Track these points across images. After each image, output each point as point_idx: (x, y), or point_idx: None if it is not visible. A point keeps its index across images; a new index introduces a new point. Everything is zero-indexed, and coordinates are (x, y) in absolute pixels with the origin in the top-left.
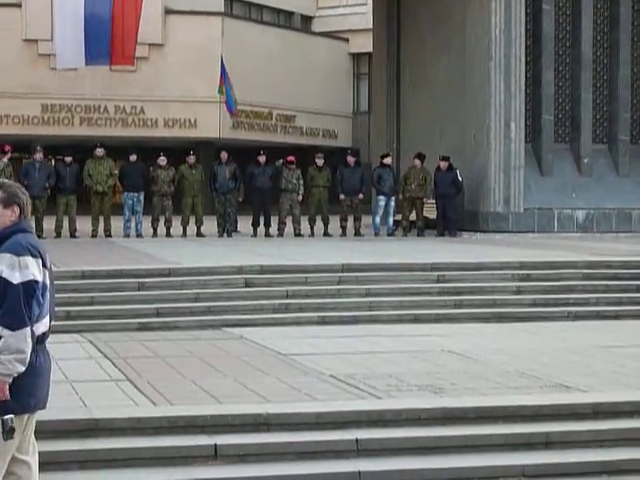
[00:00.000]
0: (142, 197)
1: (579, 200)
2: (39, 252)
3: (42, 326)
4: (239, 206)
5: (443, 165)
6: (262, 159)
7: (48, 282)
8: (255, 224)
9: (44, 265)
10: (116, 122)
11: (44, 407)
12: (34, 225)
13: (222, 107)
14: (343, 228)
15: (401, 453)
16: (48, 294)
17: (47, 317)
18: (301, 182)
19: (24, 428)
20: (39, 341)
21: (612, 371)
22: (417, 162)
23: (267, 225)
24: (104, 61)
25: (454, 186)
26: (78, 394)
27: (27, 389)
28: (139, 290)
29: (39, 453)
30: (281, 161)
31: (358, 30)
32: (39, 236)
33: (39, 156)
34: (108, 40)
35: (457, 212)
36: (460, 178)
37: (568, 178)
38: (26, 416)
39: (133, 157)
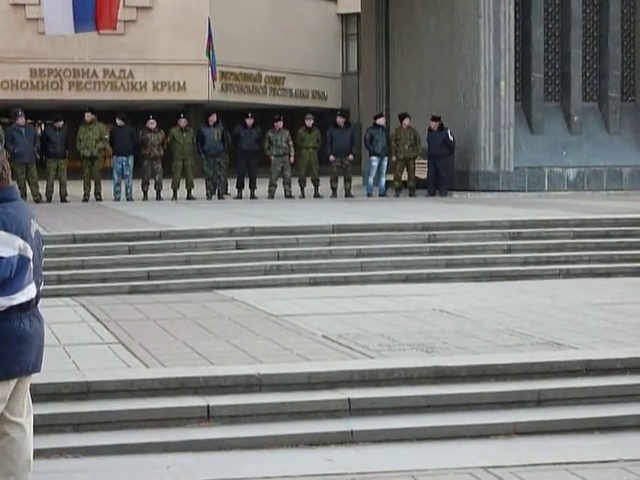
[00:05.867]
0: (131, 161)
1: (569, 158)
2: (14, 224)
3: (22, 296)
4: (227, 168)
5: (434, 125)
6: (249, 121)
7: (29, 253)
8: (239, 186)
9: (23, 237)
10: (105, 86)
11: (35, 371)
12: (30, 191)
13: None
14: (333, 189)
15: (393, 412)
16: (31, 264)
17: (29, 286)
18: (291, 144)
19: (13, 392)
20: (23, 309)
21: (604, 328)
22: (407, 121)
23: (252, 187)
24: (90, 26)
25: (446, 146)
26: (71, 357)
27: (11, 356)
28: (130, 253)
29: (33, 416)
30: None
31: None
32: (37, 201)
33: (21, 120)
34: (94, 4)
35: (448, 172)
36: (451, 138)
37: (558, 136)
38: (12, 381)
39: (120, 121)
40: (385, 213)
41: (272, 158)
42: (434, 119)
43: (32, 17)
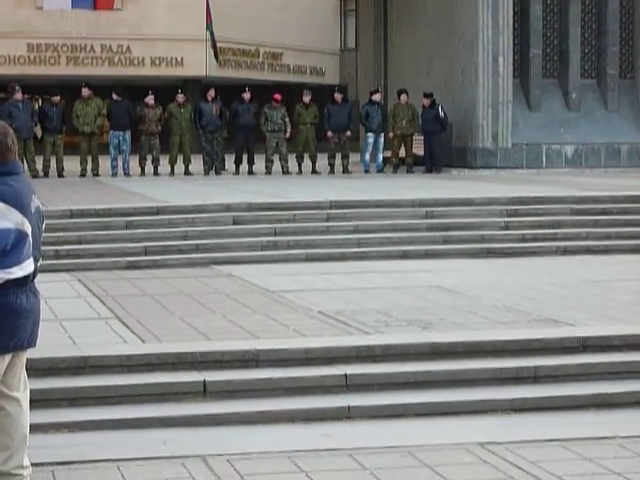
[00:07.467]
0: (128, 136)
1: (567, 135)
2: (14, 197)
3: (20, 270)
4: (225, 144)
5: (426, 102)
6: (246, 96)
7: (27, 228)
8: (237, 162)
9: (22, 211)
10: (102, 61)
11: (31, 345)
12: (27, 167)
13: (209, 45)
14: (331, 165)
15: (390, 388)
16: (30, 239)
17: (27, 261)
18: (287, 120)
19: (9, 367)
20: (19, 284)
21: (601, 305)
22: (404, 97)
23: (250, 163)
24: (88, 3)
25: (438, 122)
26: (67, 332)
27: (6, 330)
28: (127, 229)
29: (30, 390)
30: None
31: None
32: (34, 176)
33: (19, 95)
34: None
35: (442, 148)
36: (442, 114)
37: (556, 113)
38: (8, 356)
39: (116, 96)
40: (382, 189)
41: (267, 134)
42: (426, 96)
43: None
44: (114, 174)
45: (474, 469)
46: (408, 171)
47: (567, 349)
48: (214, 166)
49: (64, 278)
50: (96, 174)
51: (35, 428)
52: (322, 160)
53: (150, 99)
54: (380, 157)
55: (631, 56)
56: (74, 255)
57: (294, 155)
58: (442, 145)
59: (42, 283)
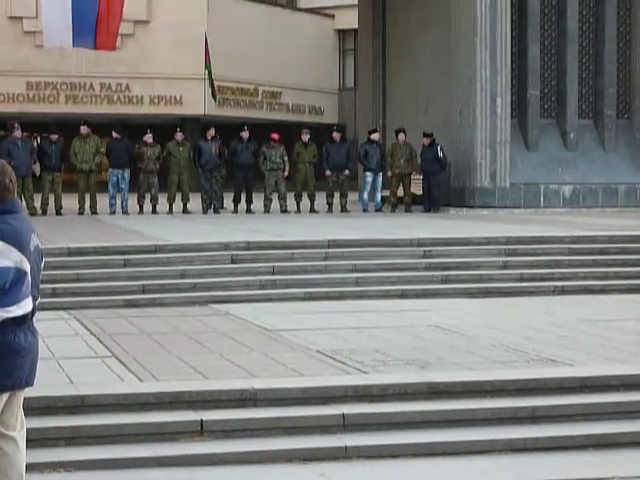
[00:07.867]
0: (127, 174)
1: (565, 175)
2: (13, 236)
3: (19, 309)
4: (224, 182)
5: (425, 141)
6: (245, 135)
7: (26, 267)
8: (236, 200)
9: (21, 250)
10: (101, 99)
11: (29, 384)
12: (25, 205)
13: (207, 84)
14: (329, 204)
15: (387, 428)
16: (29, 277)
17: (26, 299)
18: (286, 159)
19: (6, 406)
20: (18, 322)
21: (599, 345)
22: (402, 137)
23: (249, 202)
24: (89, 43)
25: (437, 162)
26: (64, 371)
27: (4, 369)
28: (125, 267)
29: (26, 429)
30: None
31: (344, 6)
32: (32, 214)
33: (18, 133)
34: (94, 19)
35: (441, 188)
36: (441, 154)
37: (554, 153)
38: (5, 394)
39: (116, 134)
40: (381, 229)
41: (265, 173)
42: (426, 135)
43: (29, 30)
44: (112, 212)
45: None
46: (406, 210)
47: (565, 389)
48: (213, 205)
49: (61, 316)
50: (94, 212)
51: (31, 467)
52: (320, 199)
53: (148, 137)
54: (378, 196)
55: (628, 97)
56: (72, 293)
57: (293, 194)
58: (440, 185)
59: (39, 321)
